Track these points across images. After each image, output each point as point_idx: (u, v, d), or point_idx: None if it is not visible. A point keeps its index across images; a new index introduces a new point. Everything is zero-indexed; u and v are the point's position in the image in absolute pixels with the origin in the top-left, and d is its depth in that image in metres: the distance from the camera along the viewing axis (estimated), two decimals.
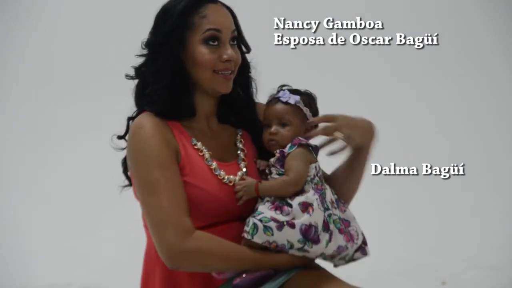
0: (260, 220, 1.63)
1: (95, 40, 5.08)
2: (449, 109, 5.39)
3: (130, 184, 1.81)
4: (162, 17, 1.71)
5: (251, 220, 1.64)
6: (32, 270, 3.66)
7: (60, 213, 4.35)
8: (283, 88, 1.80)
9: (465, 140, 5.25)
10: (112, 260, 3.73)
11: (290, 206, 1.65)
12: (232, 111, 1.84)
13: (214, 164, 1.72)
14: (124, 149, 1.80)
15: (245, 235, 1.63)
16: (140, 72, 1.75)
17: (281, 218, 1.63)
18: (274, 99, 1.78)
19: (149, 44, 1.72)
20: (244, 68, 1.81)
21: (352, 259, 1.78)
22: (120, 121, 1.80)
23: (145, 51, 1.74)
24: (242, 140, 1.83)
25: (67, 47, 5.09)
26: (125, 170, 1.81)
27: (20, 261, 3.77)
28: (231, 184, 1.72)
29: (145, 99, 1.73)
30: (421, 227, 4.35)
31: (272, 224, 1.62)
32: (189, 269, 1.63)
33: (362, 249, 1.76)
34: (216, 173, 1.71)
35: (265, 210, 1.65)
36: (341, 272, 1.78)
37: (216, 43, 1.69)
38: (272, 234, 1.63)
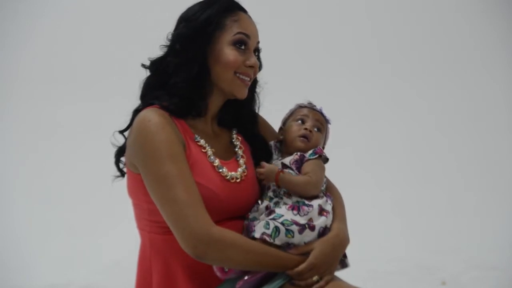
0: (282, 223, 1.66)
1: (97, 40, 5.07)
2: (449, 109, 5.39)
3: (122, 175, 1.81)
4: (194, 14, 1.74)
5: (271, 223, 1.66)
6: (32, 270, 3.65)
7: (60, 213, 4.34)
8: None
9: (465, 140, 5.24)
10: (112, 260, 3.73)
11: (309, 206, 1.69)
12: (234, 120, 1.87)
13: (216, 161, 1.73)
14: (123, 145, 1.80)
15: (266, 237, 1.64)
16: (159, 64, 1.76)
17: (301, 220, 1.67)
18: (314, 108, 1.86)
19: (177, 36, 1.74)
20: (253, 83, 1.84)
21: None
22: (121, 121, 1.81)
23: (170, 43, 1.76)
24: (238, 137, 1.87)
25: (68, 47, 5.08)
26: (117, 162, 1.82)
27: (20, 261, 3.77)
28: (233, 181, 1.73)
29: (158, 90, 1.73)
30: (421, 227, 4.35)
31: (294, 228, 1.66)
32: (213, 260, 1.61)
33: (342, 261, 1.78)
34: (219, 171, 1.72)
35: (284, 212, 1.68)
36: (342, 271, 1.78)
37: (243, 47, 1.74)
38: (293, 237, 1.66)
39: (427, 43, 5.43)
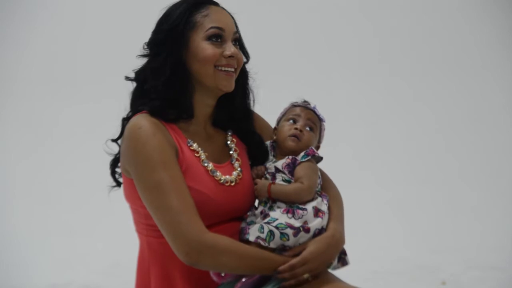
0: (276, 227, 1.65)
1: (97, 41, 5.07)
2: (449, 109, 5.39)
3: (118, 185, 1.81)
4: (164, 17, 1.73)
5: (265, 227, 1.65)
6: (32, 270, 3.65)
7: (60, 213, 4.34)
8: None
9: (465, 140, 5.24)
10: (112, 260, 3.73)
11: (304, 209, 1.68)
12: (229, 119, 1.84)
13: (210, 166, 1.72)
14: (117, 155, 1.79)
15: (260, 241, 1.64)
16: (140, 74, 1.75)
17: (296, 223, 1.66)
18: (307, 107, 1.82)
19: (150, 43, 1.73)
20: (243, 76, 1.82)
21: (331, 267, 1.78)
22: (121, 122, 1.80)
23: (146, 52, 1.75)
24: (233, 139, 1.85)
25: (68, 47, 5.08)
26: (113, 173, 1.81)
27: (20, 261, 3.77)
28: (227, 184, 1.72)
29: (142, 98, 1.73)
30: (421, 227, 4.35)
31: (289, 231, 1.65)
32: (206, 266, 1.62)
33: (343, 259, 1.77)
34: (213, 175, 1.71)
35: (278, 215, 1.67)
36: (341, 272, 1.78)
37: (219, 40, 1.71)
38: (288, 239, 1.66)
39: (427, 42, 5.43)
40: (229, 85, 1.73)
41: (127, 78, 1.78)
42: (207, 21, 1.71)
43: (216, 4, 1.77)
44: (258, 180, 1.75)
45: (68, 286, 3.49)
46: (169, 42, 1.69)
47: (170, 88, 1.70)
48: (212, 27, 1.70)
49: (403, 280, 3.54)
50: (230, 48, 1.71)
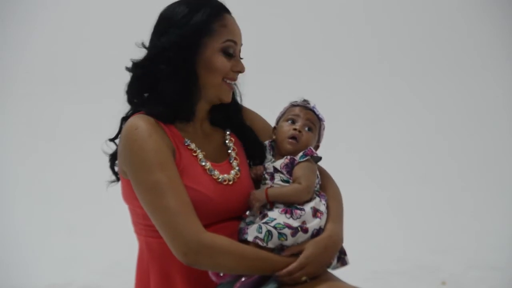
0: (274, 227, 1.65)
1: (98, 41, 5.08)
2: (449, 109, 5.39)
3: (118, 180, 1.80)
4: (185, 18, 1.70)
5: (263, 227, 1.65)
6: (32, 270, 3.66)
7: (60, 213, 4.35)
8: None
9: (465, 140, 5.24)
10: (112, 260, 3.73)
11: (302, 210, 1.68)
12: (223, 116, 1.85)
13: (208, 165, 1.72)
14: (114, 152, 1.79)
15: (259, 241, 1.64)
16: (147, 68, 1.71)
17: (294, 223, 1.66)
18: (306, 106, 1.82)
19: (169, 43, 1.69)
20: None
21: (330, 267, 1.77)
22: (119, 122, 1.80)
23: (154, 46, 1.71)
24: (232, 139, 1.85)
25: (69, 48, 5.09)
26: (112, 165, 1.80)
27: (20, 261, 3.77)
28: (225, 183, 1.73)
29: (146, 97, 1.72)
30: (421, 227, 4.35)
31: (287, 231, 1.65)
32: (204, 266, 1.61)
33: (342, 259, 1.76)
34: (211, 174, 1.71)
35: (276, 215, 1.67)
36: (341, 272, 1.78)
37: (231, 53, 1.73)
38: (286, 239, 1.65)
39: (427, 43, 5.44)
40: (230, 97, 1.78)
41: (128, 69, 1.75)
42: (224, 32, 1.72)
43: (230, 13, 1.77)
44: (254, 191, 1.74)
45: (68, 286, 3.49)
46: (188, 48, 1.68)
47: (176, 92, 1.69)
48: (228, 40, 1.72)
49: (403, 280, 3.54)
50: (241, 64, 1.75)
